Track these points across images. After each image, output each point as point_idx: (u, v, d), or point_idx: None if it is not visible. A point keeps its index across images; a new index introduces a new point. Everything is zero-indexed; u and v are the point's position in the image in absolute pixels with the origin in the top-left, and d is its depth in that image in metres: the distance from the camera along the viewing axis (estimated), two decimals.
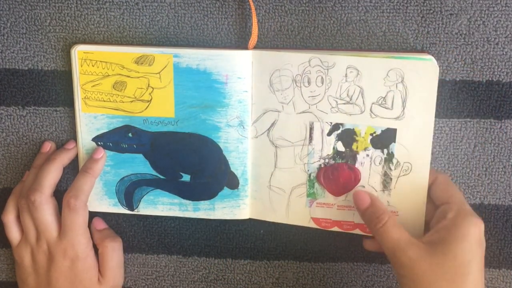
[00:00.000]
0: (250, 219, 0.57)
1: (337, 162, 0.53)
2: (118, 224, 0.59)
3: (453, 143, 0.55)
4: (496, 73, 0.53)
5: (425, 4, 0.52)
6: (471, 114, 0.54)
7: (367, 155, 0.52)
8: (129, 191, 0.56)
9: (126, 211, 0.57)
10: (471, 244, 0.47)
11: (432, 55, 0.51)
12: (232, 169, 0.55)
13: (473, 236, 0.47)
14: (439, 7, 0.52)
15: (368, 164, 0.52)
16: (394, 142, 0.51)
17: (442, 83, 0.53)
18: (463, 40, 0.53)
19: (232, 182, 0.55)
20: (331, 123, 0.52)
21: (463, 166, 0.55)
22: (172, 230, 0.59)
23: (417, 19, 0.52)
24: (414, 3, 0.52)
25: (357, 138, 0.52)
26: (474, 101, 0.54)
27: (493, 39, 0.52)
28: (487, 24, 0.52)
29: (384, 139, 0.51)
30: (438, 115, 0.54)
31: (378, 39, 0.53)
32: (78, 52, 0.53)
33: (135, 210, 0.57)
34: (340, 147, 0.52)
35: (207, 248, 0.60)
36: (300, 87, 0.51)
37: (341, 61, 0.50)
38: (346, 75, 0.50)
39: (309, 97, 0.52)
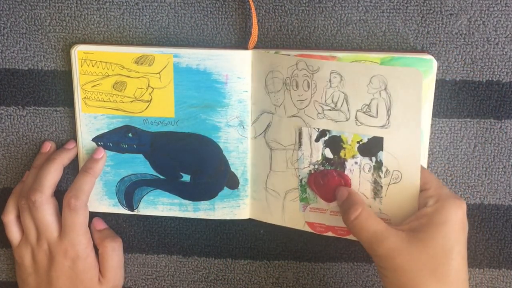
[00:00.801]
0: (250, 219, 0.57)
1: (326, 169, 0.52)
2: (118, 224, 0.60)
3: (453, 143, 0.55)
4: (496, 73, 0.53)
5: (425, 4, 0.52)
6: (471, 114, 0.54)
7: (356, 163, 0.51)
8: (129, 191, 0.57)
9: (126, 211, 0.57)
10: (453, 229, 0.45)
11: (432, 55, 0.51)
12: (232, 169, 0.55)
13: (455, 220, 0.45)
14: (439, 7, 0.52)
15: (358, 171, 0.51)
16: (382, 150, 0.50)
17: (442, 83, 0.53)
18: (463, 40, 0.53)
19: (232, 182, 0.55)
20: (318, 129, 0.51)
21: (463, 166, 0.55)
22: (172, 230, 0.59)
23: (417, 19, 0.52)
24: (414, 3, 0.52)
25: (344, 146, 0.51)
26: (474, 101, 0.54)
27: (493, 39, 0.52)
28: (487, 24, 0.52)
29: (371, 148, 0.50)
30: (438, 115, 0.54)
31: (378, 39, 0.53)
32: (78, 52, 0.53)
33: (135, 210, 0.57)
34: (328, 153, 0.51)
35: (207, 248, 0.60)
36: (290, 90, 0.51)
37: (325, 66, 0.49)
38: (330, 81, 0.49)
39: (297, 101, 0.51)
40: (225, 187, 0.56)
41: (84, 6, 0.54)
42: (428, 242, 0.45)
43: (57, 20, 0.55)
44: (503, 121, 0.54)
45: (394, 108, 0.48)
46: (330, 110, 0.50)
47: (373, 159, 0.50)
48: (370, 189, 0.51)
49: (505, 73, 0.53)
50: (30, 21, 0.55)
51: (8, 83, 0.56)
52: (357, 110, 0.49)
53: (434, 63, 0.50)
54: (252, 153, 0.55)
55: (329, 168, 0.52)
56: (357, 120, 0.50)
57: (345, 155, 0.51)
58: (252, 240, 0.59)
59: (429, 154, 0.55)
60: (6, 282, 0.61)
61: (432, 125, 0.54)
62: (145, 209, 0.57)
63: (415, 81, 0.47)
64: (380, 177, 0.51)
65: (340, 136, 0.51)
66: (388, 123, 0.49)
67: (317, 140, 0.51)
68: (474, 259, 0.57)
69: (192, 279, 0.61)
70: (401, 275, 0.45)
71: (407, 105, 0.48)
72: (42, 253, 0.54)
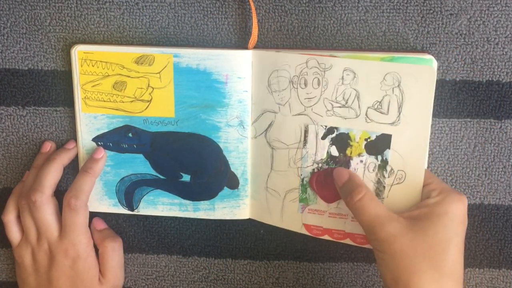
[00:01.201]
0: (250, 219, 0.57)
1: (330, 167, 0.52)
2: (118, 224, 0.60)
3: (453, 143, 0.55)
4: (496, 73, 0.53)
5: (425, 4, 0.52)
6: (471, 114, 0.54)
7: (361, 161, 0.51)
8: (129, 191, 0.57)
9: (126, 211, 0.57)
10: (453, 221, 0.46)
11: (432, 55, 0.51)
12: (232, 169, 0.55)
13: (456, 213, 0.46)
14: (439, 7, 0.52)
15: (362, 170, 0.51)
16: (389, 148, 0.50)
17: (442, 83, 0.53)
18: (463, 40, 0.53)
19: (232, 182, 0.55)
20: (325, 126, 0.51)
21: (463, 166, 0.55)
22: (172, 230, 0.59)
23: (417, 19, 0.52)
24: (414, 3, 0.52)
25: (351, 143, 0.51)
26: (474, 101, 0.54)
27: (493, 39, 0.52)
28: (487, 24, 0.52)
29: (378, 145, 0.50)
30: (438, 115, 0.54)
31: (378, 39, 0.53)
32: (78, 52, 0.53)
33: (135, 210, 0.57)
34: (334, 151, 0.52)
35: (207, 248, 0.60)
36: (297, 88, 0.51)
37: (338, 63, 0.50)
38: (342, 78, 0.50)
39: (305, 99, 0.51)
40: (225, 187, 0.56)
41: (84, 6, 0.54)
42: (428, 231, 0.46)
43: (57, 20, 0.55)
44: (503, 121, 0.54)
45: (405, 104, 0.49)
46: (340, 107, 0.50)
47: (379, 157, 0.51)
48: (373, 189, 0.51)
49: (505, 73, 0.53)
50: (30, 21, 0.55)
51: (8, 83, 0.56)
52: (368, 107, 0.50)
53: (434, 63, 0.50)
54: (252, 153, 0.55)
55: (333, 166, 0.52)
56: (367, 117, 0.50)
57: (351, 153, 0.51)
58: (252, 240, 0.59)
59: (429, 154, 0.55)
60: (6, 282, 0.61)
61: (432, 125, 0.54)
62: (145, 209, 0.57)
63: (429, 78, 0.48)
64: (384, 177, 0.51)
65: (348, 133, 0.51)
66: (399, 120, 0.49)
67: (323, 137, 0.51)
68: (474, 259, 0.57)
69: (192, 279, 0.61)
70: (399, 260, 0.46)
71: (419, 102, 0.49)
72: (42, 253, 0.54)
